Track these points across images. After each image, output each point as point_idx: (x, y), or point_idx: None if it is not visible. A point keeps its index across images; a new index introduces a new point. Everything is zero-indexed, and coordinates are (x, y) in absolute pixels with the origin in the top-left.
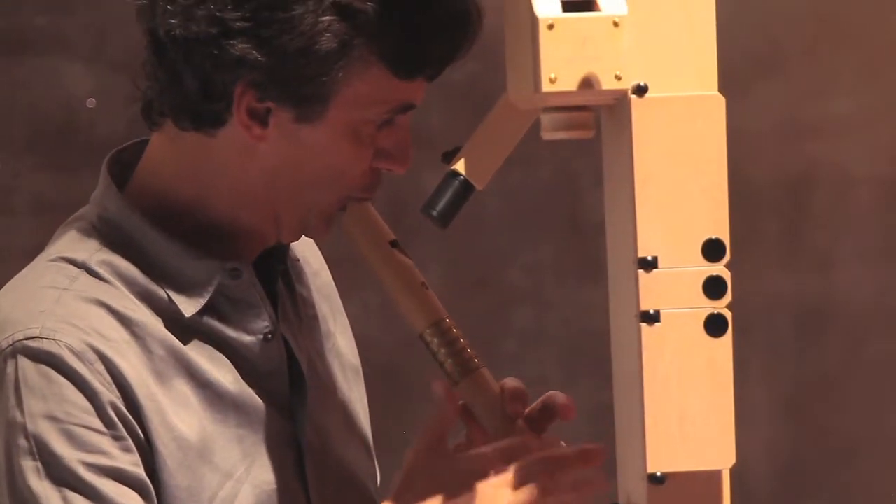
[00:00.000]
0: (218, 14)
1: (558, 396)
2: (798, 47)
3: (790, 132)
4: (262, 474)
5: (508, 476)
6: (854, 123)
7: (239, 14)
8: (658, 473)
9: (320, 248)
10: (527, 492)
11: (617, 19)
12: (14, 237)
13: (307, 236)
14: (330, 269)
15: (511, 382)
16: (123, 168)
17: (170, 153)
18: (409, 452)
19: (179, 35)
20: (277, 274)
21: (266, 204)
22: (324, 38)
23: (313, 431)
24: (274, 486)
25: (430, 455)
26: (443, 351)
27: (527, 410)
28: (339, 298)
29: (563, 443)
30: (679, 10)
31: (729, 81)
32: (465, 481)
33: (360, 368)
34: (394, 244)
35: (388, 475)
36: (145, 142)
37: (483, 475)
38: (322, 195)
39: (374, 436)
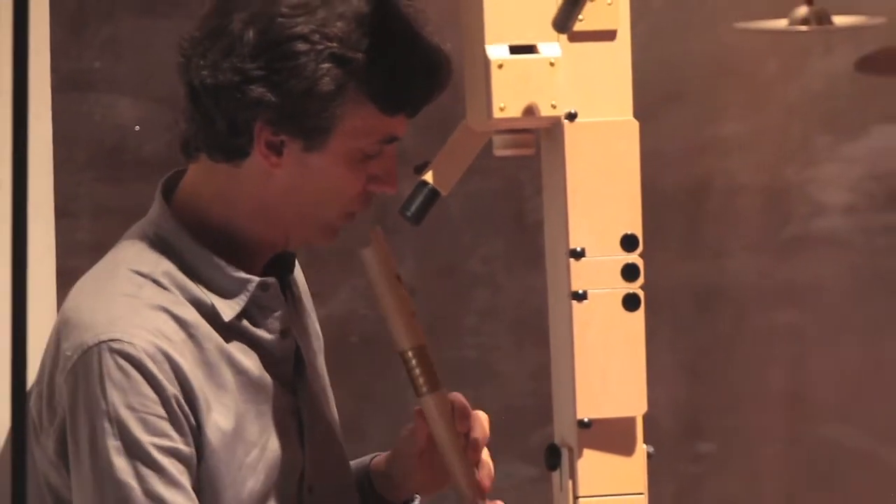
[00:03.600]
0: (239, 65)
1: (487, 469)
2: (697, 83)
3: (690, 150)
4: (274, 442)
5: None
6: (740, 143)
7: (255, 65)
8: (585, 419)
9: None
10: None
11: (553, 60)
12: (77, 235)
13: (314, 243)
14: (324, 261)
15: (459, 401)
16: (167, 192)
17: (204, 181)
18: None
19: (210, 84)
20: (287, 280)
21: (280, 219)
22: (323, 82)
23: (309, 404)
24: (280, 452)
25: None
26: (418, 370)
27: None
28: (307, 288)
29: None
30: (602, 52)
31: (642, 109)
32: None
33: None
34: (398, 277)
35: (370, 424)
36: (184, 170)
37: None
38: (325, 210)
39: (357, 390)
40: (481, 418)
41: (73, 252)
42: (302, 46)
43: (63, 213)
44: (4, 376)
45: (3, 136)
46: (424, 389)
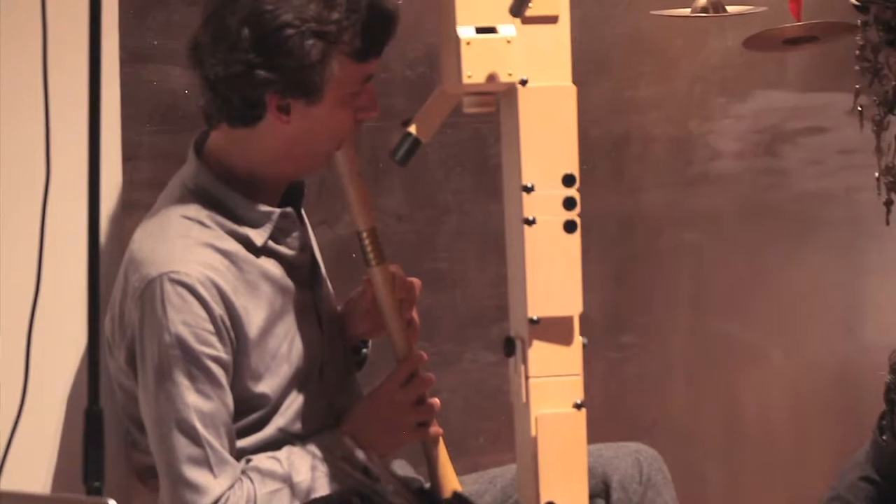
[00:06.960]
0: (243, 57)
1: (415, 325)
2: (620, 57)
3: (615, 108)
4: (301, 332)
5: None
6: (653, 104)
7: (256, 53)
8: (535, 317)
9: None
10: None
11: (509, 39)
12: (140, 174)
13: (316, 171)
14: (330, 193)
15: (399, 273)
16: (197, 149)
17: (227, 142)
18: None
19: (223, 75)
20: (300, 206)
21: (293, 159)
22: (311, 54)
23: (323, 300)
24: (306, 340)
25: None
26: (370, 247)
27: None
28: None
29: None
30: (547, 33)
31: (578, 77)
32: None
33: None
34: (359, 175)
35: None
36: (208, 133)
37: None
38: (327, 144)
39: None
40: (414, 286)
41: (137, 188)
42: (289, 31)
43: (128, 157)
44: (82, 286)
45: (81, 99)
46: (374, 262)
